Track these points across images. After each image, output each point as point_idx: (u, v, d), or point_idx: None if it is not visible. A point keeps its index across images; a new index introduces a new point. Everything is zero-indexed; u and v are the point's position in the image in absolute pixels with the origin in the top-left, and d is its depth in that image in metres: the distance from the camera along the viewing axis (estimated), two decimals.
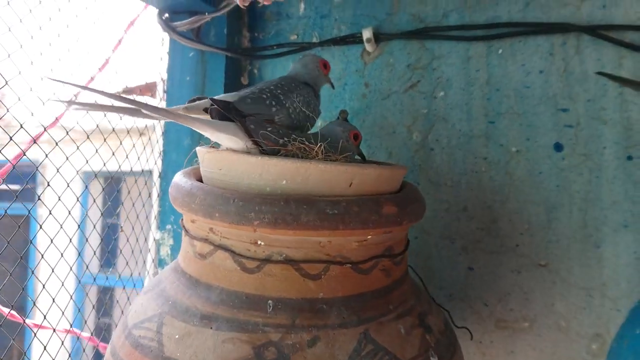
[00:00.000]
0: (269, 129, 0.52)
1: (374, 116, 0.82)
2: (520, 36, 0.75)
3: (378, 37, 0.81)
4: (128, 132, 0.85)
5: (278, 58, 0.87)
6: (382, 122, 0.82)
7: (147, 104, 0.46)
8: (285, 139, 0.51)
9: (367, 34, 0.80)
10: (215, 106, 0.50)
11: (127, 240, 0.85)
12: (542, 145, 0.73)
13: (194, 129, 0.51)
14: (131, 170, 0.87)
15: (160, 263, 0.85)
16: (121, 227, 0.84)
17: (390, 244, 0.51)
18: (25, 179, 0.68)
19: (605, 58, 0.71)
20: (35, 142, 0.69)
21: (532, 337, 0.73)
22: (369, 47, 0.82)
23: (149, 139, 0.91)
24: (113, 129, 0.81)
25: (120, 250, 0.86)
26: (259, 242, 0.47)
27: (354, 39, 0.83)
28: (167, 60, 0.87)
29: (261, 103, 0.59)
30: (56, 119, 0.84)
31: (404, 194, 0.52)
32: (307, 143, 0.51)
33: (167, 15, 0.83)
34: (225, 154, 0.49)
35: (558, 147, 0.73)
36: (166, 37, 0.87)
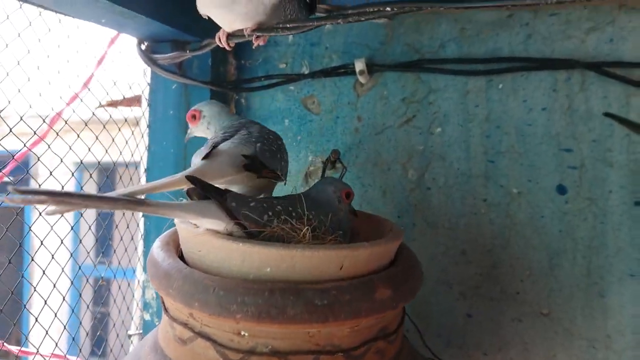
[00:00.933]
0: (252, 204, 0.47)
1: (367, 152, 0.78)
2: (522, 71, 0.71)
3: (371, 68, 0.77)
4: (126, 121, 0.82)
5: (266, 90, 0.82)
6: (375, 159, 0.78)
7: (125, 199, 0.41)
8: (270, 213, 0.47)
9: (359, 65, 0.75)
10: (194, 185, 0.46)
11: (121, 239, 0.81)
12: (544, 187, 0.70)
13: (176, 219, 0.48)
14: (126, 162, 0.83)
15: (145, 307, 0.81)
16: (102, 278, 0.80)
17: (384, 324, 0.48)
18: (18, 170, 0.65)
19: (612, 96, 0.67)
20: (35, 134, 0.67)
21: None
22: (361, 78, 0.77)
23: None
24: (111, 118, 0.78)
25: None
26: (242, 333, 0.43)
27: (346, 69, 0.79)
28: (149, 92, 0.82)
29: (275, 157, 0.57)
30: (57, 113, 0.80)
31: (399, 268, 0.49)
32: (293, 224, 0.47)
33: (147, 44, 0.78)
34: (205, 238, 0.45)
35: (561, 189, 0.69)
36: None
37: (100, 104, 0.91)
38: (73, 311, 0.74)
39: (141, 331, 0.82)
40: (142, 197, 0.46)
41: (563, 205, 0.69)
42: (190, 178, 0.46)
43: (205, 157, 0.52)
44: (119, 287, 0.85)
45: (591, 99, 0.68)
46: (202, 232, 0.45)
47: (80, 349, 0.74)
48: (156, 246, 0.51)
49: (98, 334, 0.84)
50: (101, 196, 0.41)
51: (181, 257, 0.50)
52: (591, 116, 0.68)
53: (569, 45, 0.69)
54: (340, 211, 0.54)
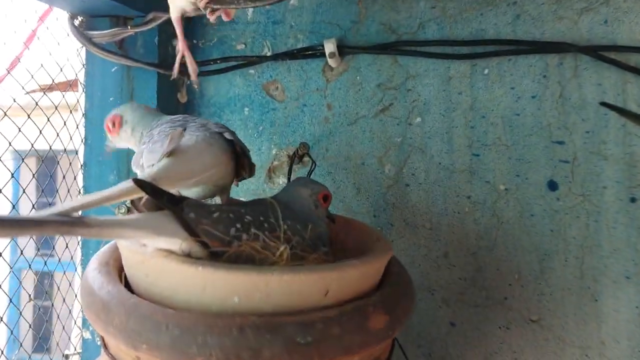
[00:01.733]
0: (215, 215, 0.38)
1: (338, 144, 0.70)
2: (510, 55, 0.64)
3: (342, 50, 0.68)
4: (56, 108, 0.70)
5: (223, 73, 0.72)
6: (348, 152, 0.70)
7: (56, 221, 0.31)
8: (237, 226, 0.38)
9: (329, 47, 0.67)
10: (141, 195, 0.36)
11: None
12: (534, 183, 0.63)
13: (122, 241, 0.38)
14: (65, 150, 0.72)
15: (85, 324, 0.70)
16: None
17: (377, 355, 0.40)
18: None
19: (607, 83, 0.61)
20: None
21: None
22: (331, 62, 0.68)
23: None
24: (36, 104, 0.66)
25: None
26: None
27: (314, 51, 0.70)
28: (84, 75, 0.70)
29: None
30: None
31: (392, 288, 0.41)
32: (266, 239, 0.38)
33: (81, 19, 0.67)
34: (154, 260, 0.35)
35: (552, 185, 0.63)
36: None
37: (25, 90, 0.78)
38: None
39: (80, 351, 0.71)
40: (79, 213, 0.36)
41: (554, 203, 0.63)
42: (138, 182, 0.36)
43: (170, 154, 0.42)
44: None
45: (585, 86, 0.62)
46: (150, 253, 0.35)
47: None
48: (92, 267, 0.41)
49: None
50: (26, 219, 0.31)
51: (126, 280, 0.40)
52: (585, 105, 0.62)
53: (560, 27, 0.63)
54: (320, 219, 0.46)
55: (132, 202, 0.38)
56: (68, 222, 0.31)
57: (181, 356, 0.32)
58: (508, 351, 0.65)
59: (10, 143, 0.63)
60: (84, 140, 0.70)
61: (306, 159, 0.69)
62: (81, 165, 0.70)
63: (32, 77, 0.67)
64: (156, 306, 0.35)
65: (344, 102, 0.70)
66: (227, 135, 0.46)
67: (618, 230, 0.61)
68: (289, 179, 0.68)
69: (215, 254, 0.36)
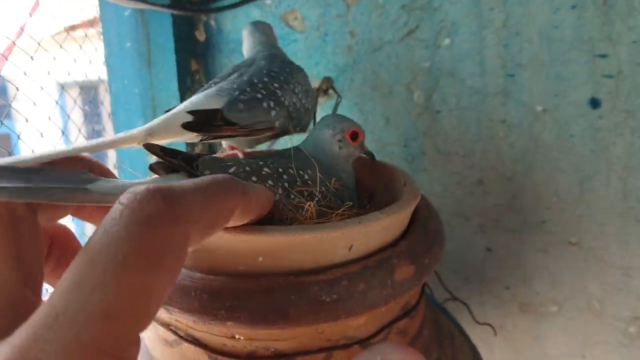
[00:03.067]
0: (232, 170, 0.38)
1: (363, 73, 0.67)
2: None
3: None
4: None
5: (240, 7, 0.69)
6: (374, 81, 0.67)
7: (57, 189, 0.29)
8: (254, 179, 0.38)
9: None
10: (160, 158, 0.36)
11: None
12: (574, 102, 0.60)
13: None
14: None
15: None
16: None
17: (405, 301, 0.40)
18: None
19: None
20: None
21: (561, 321, 0.65)
22: None
23: None
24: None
25: None
26: (237, 337, 0.36)
27: None
28: (100, 22, 0.69)
29: (257, 107, 0.44)
30: (21, 28, 0.69)
31: (419, 235, 0.40)
32: (293, 199, 0.38)
33: None
34: None
35: (594, 103, 0.59)
36: None
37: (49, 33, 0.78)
38: None
39: None
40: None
41: (596, 121, 0.59)
42: (147, 146, 0.36)
43: (167, 111, 0.41)
44: None
45: None
46: None
47: None
48: None
49: None
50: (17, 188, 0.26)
51: None
52: (632, 11, 0.56)
53: None
54: (346, 163, 0.44)
55: (150, 167, 0.38)
56: (66, 189, 0.28)
57: (210, 318, 0.34)
58: (546, 274, 0.64)
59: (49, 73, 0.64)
60: (108, 89, 0.69)
61: (331, 92, 0.67)
62: (109, 114, 0.70)
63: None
64: (184, 271, 0.36)
65: (367, 27, 0.66)
66: (216, 100, 0.44)
67: None
68: (314, 114, 0.67)
69: None
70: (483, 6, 0.61)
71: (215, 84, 0.46)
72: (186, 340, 0.37)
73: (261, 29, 0.52)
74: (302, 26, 0.68)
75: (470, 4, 0.61)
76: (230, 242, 0.34)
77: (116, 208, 0.19)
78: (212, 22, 0.72)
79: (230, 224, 0.26)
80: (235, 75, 0.47)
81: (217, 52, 0.72)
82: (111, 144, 0.36)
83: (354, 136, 0.46)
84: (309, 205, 0.37)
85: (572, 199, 0.61)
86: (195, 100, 0.43)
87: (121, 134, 0.37)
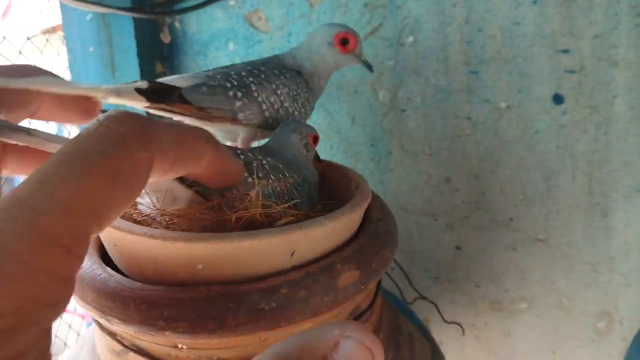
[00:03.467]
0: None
1: None
2: None
3: None
4: None
5: (203, 8, 0.68)
6: (340, 80, 0.66)
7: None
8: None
9: None
10: None
11: None
12: (537, 98, 0.59)
13: None
14: None
15: None
16: None
17: (355, 305, 0.40)
18: None
19: None
20: None
21: (531, 318, 0.65)
22: None
23: None
24: None
25: None
26: (180, 346, 0.35)
27: None
28: (62, 26, 0.68)
29: (220, 93, 0.43)
30: None
31: (366, 238, 0.40)
32: (235, 192, 0.37)
33: None
34: (117, 233, 0.35)
35: (558, 98, 0.59)
36: None
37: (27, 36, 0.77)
38: None
39: None
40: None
41: (560, 117, 0.59)
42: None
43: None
44: None
45: None
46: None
47: None
48: None
49: None
50: None
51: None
52: (593, 5, 0.56)
53: None
54: (310, 164, 0.45)
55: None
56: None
57: (151, 330, 0.33)
58: (515, 271, 0.64)
59: None
60: None
61: None
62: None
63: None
64: (124, 281, 0.35)
65: None
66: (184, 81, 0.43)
67: (630, 142, 0.57)
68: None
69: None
70: (446, 3, 0.60)
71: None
72: (132, 349, 0.37)
73: (307, 38, 0.50)
74: (266, 26, 0.68)
75: (432, 0, 0.61)
76: (170, 249, 0.34)
77: (93, 124, 0.20)
78: (177, 24, 0.71)
79: (196, 171, 0.28)
80: (226, 67, 0.47)
81: (182, 54, 0.71)
82: (72, 87, 0.34)
83: (315, 140, 0.46)
84: (255, 193, 0.36)
85: (538, 195, 0.61)
86: (169, 78, 0.43)
87: (85, 85, 0.35)
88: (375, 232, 0.41)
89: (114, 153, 0.20)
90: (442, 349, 0.61)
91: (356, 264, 0.37)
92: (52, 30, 0.88)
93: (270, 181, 0.41)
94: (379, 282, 0.45)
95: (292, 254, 0.35)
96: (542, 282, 0.63)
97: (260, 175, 0.40)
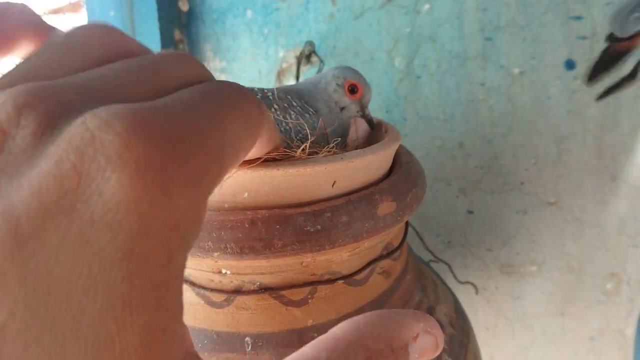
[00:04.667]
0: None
1: (345, 40, 0.68)
2: None
3: None
4: None
5: None
6: (356, 48, 0.68)
7: None
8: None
9: None
10: None
11: None
12: (550, 64, 0.61)
13: None
14: None
15: None
16: None
17: (388, 241, 0.41)
18: None
19: None
20: None
21: (540, 281, 0.66)
22: None
23: None
24: None
25: None
26: (223, 272, 0.36)
27: None
28: None
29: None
30: None
31: (400, 176, 0.41)
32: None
33: None
34: None
35: (570, 64, 0.61)
36: None
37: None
38: None
39: None
40: None
41: (572, 82, 0.61)
42: None
43: None
44: None
45: None
46: None
47: None
48: None
49: None
50: None
51: None
52: None
53: None
54: (336, 106, 0.45)
55: None
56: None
57: (199, 251, 0.34)
58: (526, 234, 0.66)
59: None
60: None
61: (314, 58, 0.68)
62: None
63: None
64: None
65: None
66: None
67: (638, 106, 0.59)
68: (297, 80, 0.68)
69: None
70: None
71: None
72: None
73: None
74: None
75: None
76: None
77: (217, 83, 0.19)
78: None
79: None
80: None
81: (201, 22, 0.72)
82: None
83: (352, 89, 0.46)
84: (304, 146, 0.38)
85: (550, 159, 0.63)
86: None
87: None
88: (407, 171, 0.42)
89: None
90: None
91: (393, 196, 0.38)
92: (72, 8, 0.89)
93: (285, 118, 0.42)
94: (407, 227, 0.46)
95: (333, 184, 0.37)
96: (552, 245, 0.65)
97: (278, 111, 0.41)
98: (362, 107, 0.46)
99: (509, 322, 0.69)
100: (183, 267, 0.15)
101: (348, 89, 0.45)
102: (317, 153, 0.39)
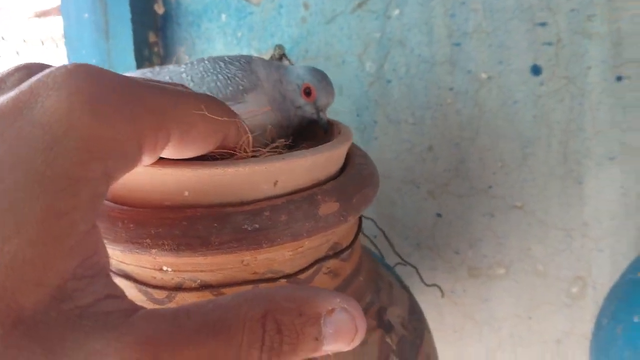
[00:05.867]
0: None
1: (317, 44, 0.69)
2: None
3: None
4: None
5: None
6: (328, 51, 0.69)
7: None
8: None
9: None
10: None
11: None
12: (516, 70, 0.62)
13: None
14: None
15: None
16: None
17: (335, 240, 0.42)
18: None
19: None
20: None
21: (507, 284, 0.67)
22: None
23: None
24: None
25: None
26: (164, 269, 0.37)
27: None
28: None
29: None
30: None
31: (347, 177, 0.42)
32: None
33: None
34: None
35: (535, 70, 0.61)
36: None
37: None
38: None
39: None
40: None
41: (537, 88, 0.61)
42: None
43: None
44: None
45: None
46: None
47: None
48: None
49: None
50: None
51: None
52: None
53: None
54: (293, 106, 0.46)
55: None
56: None
57: (137, 247, 0.35)
58: (493, 237, 0.66)
59: None
60: (67, 59, 0.71)
61: (285, 61, 0.69)
62: None
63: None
64: (113, 205, 0.37)
65: (320, 0, 0.68)
66: None
67: (602, 112, 0.60)
68: None
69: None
70: None
71: None
72: (117, 274, 0.39)
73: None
74: None
75: None
76: (157, 176, 0.36)
77: None
78: None
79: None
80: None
81: (176, 25, 0.73)
82: None
83: (307, 91, 0.47)
84: (246, 138, 0.38)
85: (516, 163, 0.64)
86: None
87: None
88: (357, 173, 0.43)
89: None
90: None
91: (337, 197, 0.39)
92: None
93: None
94: (359, 227, 0.47)
95: (275, 184, 0.37)
96: (519, 248, 0.65)
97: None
98: (317, 110, 0.47)
99: (476, 325, 0.69)
100: (99, 180, 0.20)
101: (304, 90, 0.46)
102: (262, 151, 0.40)
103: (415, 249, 0.69)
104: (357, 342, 0.23)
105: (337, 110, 0.69)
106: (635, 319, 0.44)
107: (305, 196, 0.38)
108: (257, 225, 0.35)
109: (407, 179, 0.68)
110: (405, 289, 0.53)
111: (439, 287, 0.64)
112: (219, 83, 0.46)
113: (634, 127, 0.59)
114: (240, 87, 0.45)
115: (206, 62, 0.46)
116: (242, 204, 0.36)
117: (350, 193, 0.40)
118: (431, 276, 0.69)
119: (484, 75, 0.63)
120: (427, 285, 0.64)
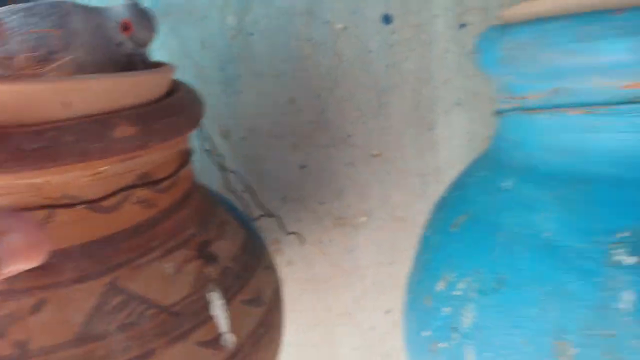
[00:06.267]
0: None
1: None
2: None
3: None
4: None
5: None
6: (188, 6, 0.68)
7: None
8: None
9: None
10: None
11: None
12: (370, 19, 0.63)
13: None
14: None
15: None
16: None
17: (145, 170, 0.42)
18: None
19: None
20: None
21: (370, 232, 0.69)
22: None
23: None
24: None
25: None
26: None
27: None
28: None
29: None
30: None
31: (156, 105, 0.42)
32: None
33: None
34: None
35: (387, 19, 0.63)
36: None
37: None
38: None
39: None
40: None
41: (390, 37, 0.63)
42: None
43: None
44: None
45: None
46: None
47: None
48: None
49: None
50: None
51: None
52: None
53: None
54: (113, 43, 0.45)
55: None
56: None
57: None
58: (356, 186, 0.68)
59: None
60: None
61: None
62: None
63: None
64: None
65: None
66: None
67: (449, 60, 0.62)
68: None
69: None
70: None
71: None
72: None
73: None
74: None
75: None
76: None
77: None
78: None
79: None
80: None
81: None
82: None
83: (124, 26, 0.46)
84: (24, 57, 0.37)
85: (372, 112, 0.65)
86: None
87: None
88: (169, 103, 0.43)
89: None
90: (293, 267, 0.64)
91: (134, 122, 0.38)
92: None
93: None
94: (185, 161, 0.47)
95: (68, 106, 0.37)
96: (380, 195, 0.67)
97: None
98: (138, 45, 0.46)
99: (345, 274, 0.71)
100: None
101: (121, 26, 0.46)
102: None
103: (282, 201, 0.70)
104: (35, 259, 0.23)
105: (200, 65, 0.69)
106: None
107: (99, 119, 0.37)
108: (37, 145, 0.35)
109: (272, 132, 0.69)
110: (246, 227, 0.54)
111: (298, 235, 0.64)
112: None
113: (477, 73, 0.61)
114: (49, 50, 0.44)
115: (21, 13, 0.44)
116: (33, 124, 0.36)
117: (152, 119, 0.40)
118: (298, 227, 0.70)
119: (340, 26, 0.64)
120: (287, 234, 0.65)
